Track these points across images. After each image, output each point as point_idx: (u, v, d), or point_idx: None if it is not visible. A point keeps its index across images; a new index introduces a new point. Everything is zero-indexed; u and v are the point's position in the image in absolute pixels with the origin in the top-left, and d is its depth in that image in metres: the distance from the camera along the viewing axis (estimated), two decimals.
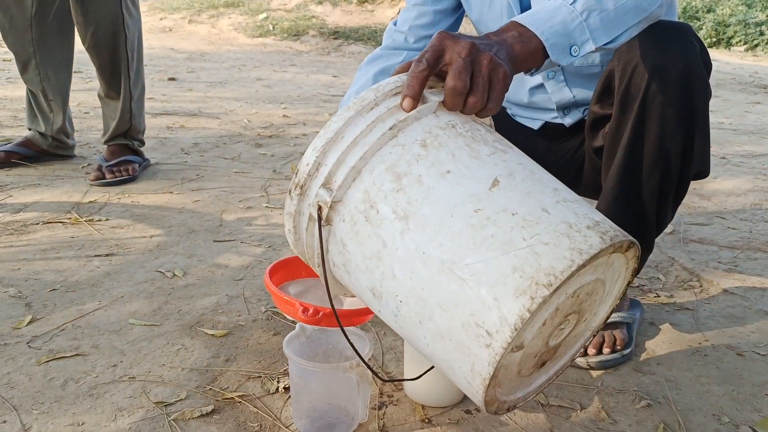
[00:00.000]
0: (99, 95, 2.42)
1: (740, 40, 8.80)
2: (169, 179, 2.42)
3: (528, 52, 0.89)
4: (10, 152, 2.44)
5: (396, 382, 1.20)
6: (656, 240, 1.29)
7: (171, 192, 2.27)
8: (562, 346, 0.83)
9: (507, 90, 0.85)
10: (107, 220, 1.96)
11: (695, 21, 9.36)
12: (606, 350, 1.28)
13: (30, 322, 1.36)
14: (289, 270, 1.11)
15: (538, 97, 1.43)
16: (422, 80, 0.82)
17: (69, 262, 1.66)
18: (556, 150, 1.46)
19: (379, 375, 0.94)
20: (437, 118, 0.82)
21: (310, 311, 0.94)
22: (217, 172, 2.55)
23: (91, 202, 2.12)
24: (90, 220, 1.94)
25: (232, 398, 1.13)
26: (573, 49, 0.93)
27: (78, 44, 2.39)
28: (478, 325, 0.70)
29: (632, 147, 1.17)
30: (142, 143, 2.51)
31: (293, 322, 1.38)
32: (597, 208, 1.22)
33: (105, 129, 2.44)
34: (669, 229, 2.10)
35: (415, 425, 1.08)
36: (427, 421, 1.10)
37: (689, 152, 1.16)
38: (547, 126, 1.46)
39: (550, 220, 0.72)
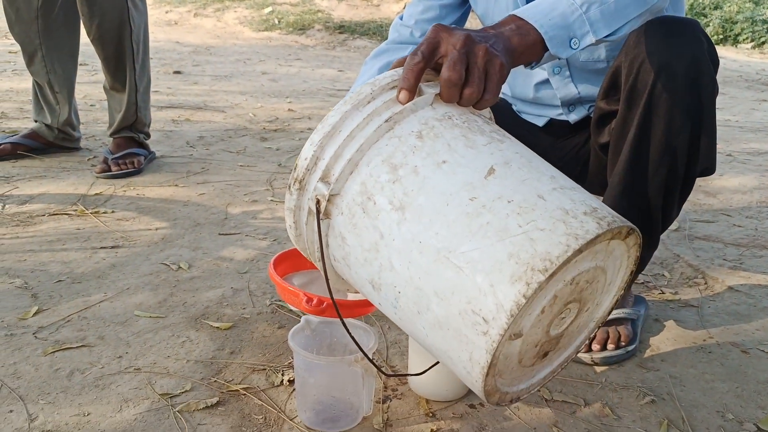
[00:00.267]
0: (104, 88, 2.43)
1: (747, 38, 8.75)
2: (174, 172, 2.43)
3: (526, 45, 0.89)
4: (17, 144, 2.45)
5: (400, 377, 1.20)
6: (661, 237, 1.29)
7: (176, 185, 2.27)
8: (564, 336, 0.82)
9: (504, 81, 0.85)
10: (113, 212, 1.97)
11: (702, 18, 9.32)
12: (610, 346, 1.28)
13: (36, 313, 1.36)
14: (294, 261, 1.11)
15: (543, 92, 1.42)
16: (417, 72, 0.82)
17: (75, 253, 1.66)
18: (561, 147, 1.45)
19: (383, 369, 0.94)
20: (434, 110, 0.82)
21: (314, 301, 0.95)
22: (222, 166, 2.55)
23: (96, 194, 2.12)
24: (96, 212, 1.95)
25: (237, 390, 1.14)
26: (573, 41, 0.92)
27: (84, 36, 2.40)
28: (475, 313, 0.70)
29: (638, 143, 1.16)
30: (148, 136, 2.52)
31: (298, 315, 1.39)
32: None
33: (111, 121, 2.44)
34: (674, 226, 2.10)
35: (419, 419, 1.09)
36: (431, 415, 1.10)
37: (695, 149, 1.16)
38: (552, 123, 1.46)
39: (546, 206, 0.72)
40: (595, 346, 1.28)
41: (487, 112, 0.94)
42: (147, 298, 1.45)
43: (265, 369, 1.21)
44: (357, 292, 0.97)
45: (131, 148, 2.41)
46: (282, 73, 5.35)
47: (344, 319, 0.91)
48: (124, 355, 1.23)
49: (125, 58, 2.31)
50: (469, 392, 1.16)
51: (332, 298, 0.87)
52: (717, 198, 2.46)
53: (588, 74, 1.36)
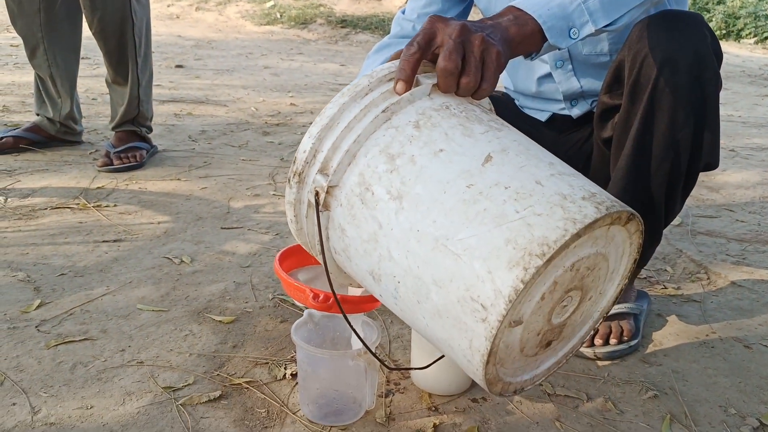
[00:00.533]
0: (107, 81, 2.42)
1: (750, 33, 8.73)
2: (176, 166, 2.43)
3: (524, 35, 0.88)
4: (19, 137, 2.45)
5: (403, 371, 1.20)
6: (664, 232, 1.29)
7: (178, 179, 2.27)
8: (568, 325, 0.82)
9: (501, 70, 0.84)
10: (115, 206, 1.97)
11: (705, 12, 9.29)
12: (613, 341, 1.28)
13: (39, 307, 1.36)
14: (299, 257, 1.11)
15: (545, 87, 1.42)
16: (414, 63, 0.82)
17: (77, 247, 1.66)
18: (564, 141, 1.45)
19: (386, 363, 0.94)
20: (431, 101, 0.82)
21: (321, 297, 0.94)
22: (224, 160, 2.55)
23: (98, 188, 2.12)
24: (98, 206, 1.95)
25: (240, 384, 1.14)
26: (572, 31, 0.92)
27: (86, 30, 2.39)
28: (474, 300, 0.70)
29: (641, 138, 1.16)
30: (150, 130, 2.52)
31: (300, 309, 1.39)
32: None
33: (113, 115, 2.44)
34: (677, 221, 2.09)
35: (421, 413, 1.09)
36: (433, 409, 1.10)
37: (699, 143, 1.16)
38: (554, 117, 1.46)
39: (544, 192, 0.72)
40: (598, 341, 1.28)
41: (486, 102, 0.93)
42: (149, 292, 1.45)
43: (267, 363, 1.21)
44: (360, 286, 0.97)
45: (133, 141, 2.41)
46: (284, 67, 5.34)
47: (347, 314, 0.91)
48: (126, 349, 1.23)
49: (127, 52, 2.31)
50: (472, 387, 1.16)
51: (333, 290, 0.87)
52: (720, 193, 2.45)
53: (591, 68, 1.36)
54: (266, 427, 1.04)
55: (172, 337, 1.28)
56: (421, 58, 0.82)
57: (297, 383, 1.14)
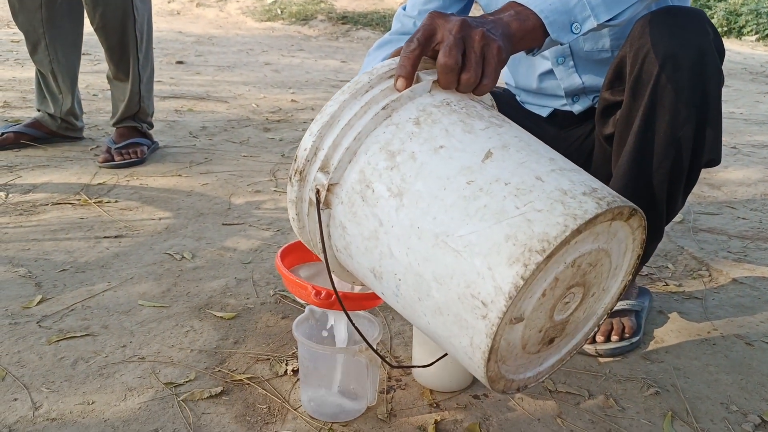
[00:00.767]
0: (108, 77, 2.42)
1: (752, 30, 8.71)
2: (177, 162, 2.42)
3: (526, 30, 0.88)
4: (20, 133, 2.44)
5: (405, 368, 1.20)
6: (666, 229, 1.28)
7: (179, 175, 2.27)
8: (571, 322, 0.82)
9: (502, 65, 0.84)
10: (116, 201, 1.97)
11: (707, 9, 9.27)
12: (614, 338, 1.28)
13: (40, 302, 1.36)
14: (300, 253, 1.11)
15: (547, 83, 1.42)
16: (414, 60, 0.81)
17: (78, 243, 1.66)
18: (565, 137, 1.45)
19: (388, 360, 0.94)
20: (432, 97, 0.82)
21: (323, 294, 0.94)
22: (225, 156, 2.55)
23: (99, 183, 2.12)
24: (99, 202, 1.95)
25: (241, 380, 1.14)
26: (574, 26, 0.92)
27: (86, 26, 2.39)
28: (474, 297, 0.69)
29: (643, 134, 1.16)
30: (151, 126, 2.51)
31: (302, 305, 1.39)
32: None
33: (114, 111, 2.44)
34: (679, 218, 2.09)
35: (423, 409, 1.09)
36: (435, 405, 1.10)
37: (701, 140, 1.15)
38: (556, 113, 1.46)
39: (544, 187, 0.71)
40: (599, 338, 1.28)
41: (488, 99, 0.93)
42: (151, 288, 1.45)
43: (269, 359, 1.21)
44: (363, 285, 0.97)
45: (134, 137, 2.41)
46: (285, 63, 5.34)
47: (349, 312, 0.91)
48: (128, 344, 1.23)
49: (129, 48, 2.30)
50: (474, 383, 1.16)
51: (334, 287, 0.87)
52: (721, 190, 2.45)
53: (592, 64, 1.36)
54: (267, 423, 1.04)
55: (174, 333, 1.28)
56: (421, 54, 0.82)
57: (298, 379, 1.14)
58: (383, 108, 0.80)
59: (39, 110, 2.49)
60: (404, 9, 1.48)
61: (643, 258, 1.34)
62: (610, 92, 1.24)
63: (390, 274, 0.78)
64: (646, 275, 1.66)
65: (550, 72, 1.39)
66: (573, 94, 1.40)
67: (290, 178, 0.84)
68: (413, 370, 1.17)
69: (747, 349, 1.33)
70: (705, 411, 1.13)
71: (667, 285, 1.60)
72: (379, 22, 7.67)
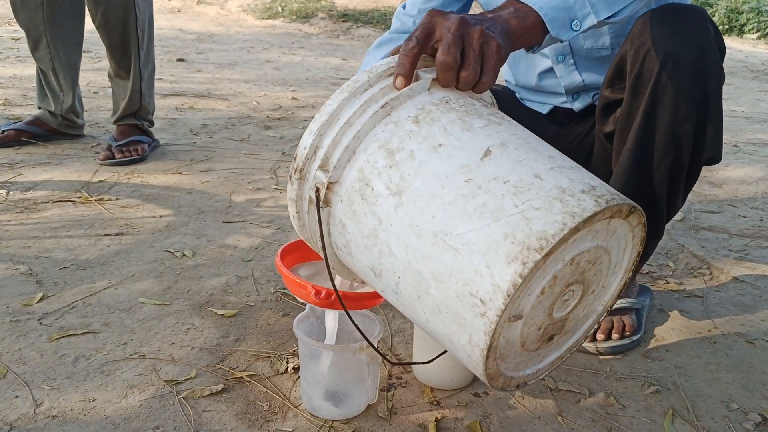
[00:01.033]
0: (109, 75, 2.42)
1: (753, 28, 8.70)
2: (178, 160, 2.42)
3: (525, 27, 0.88)
4: (20, 131, 2.44)
5: (405, 365, 1.20)
6: (666, 227, 1.28)
7: (180, 173, 2.27)
8: (570, 319, 0.82)
9: (502, 63, 0.84)
10: (117, 199, 1.97)
11: (708, 7, 9.26)
12: (615, 336, 1.28)
13: (41, 300, 1.36)
14: (300, 252, 1.11)
15: (547, 81, 1.42)
16: (413, 58, 0.81)
17: (79, 240, 1.66)
18: (565, 135, 1.45)
19: (388, 358, 0.94)
20: (431, 95, 0.82)
21: (323, 294, 0.94)
22: (226, 154, 2.55)
23: (100, 181, 2.12)
24: (100, 200, 1.95)
25: (242, 378, 1.14)
26: (574, 23, 0.92)
27: (87, 23, 2.39)
28: (472, 295, 0.69)
29: (644, 132, 1.16)
30: (152, 123, 2.51)
31: (303, 303, 1.39)
32: None
33: (115, 109, 2.44)
34: (679, 216, 2.09)
35: (423, 407, 1.09)
36: (435, 403, 1.10)
37: (701, 138, 1.15)
38: (556, 111, 1.46)
39: (543, 186, 0.71)
40: (600, 336, 1.28)
41: (488, 96, 0.93)
42: (151, 285, 1.45)
43: (269, 356, 1.21)
44: (363, 283, 0.97)
45: (135, 135, 2.41)
46: (285, 61, 5.33)
47: (349, 311, 0.91)
48: (128, 342, 1.23)
49: (130, 46, 2.30)
50: (474, 381, 1.16)
51: (334, 286, 0.87)
52: (722, 189, 2.45)
53: (592, 62, 1.36)
54: (268, 420, 1.04)
55: (174, 331, 1.28)
56: (419, 52, 0.82)
57: (299, 377, 1.14)
58: (382, 106, 0.80)
59: (40, 108, 2.49)
60: (404, 7, 1.47)
61: (644, 256, 1.34)
62: (610, 90, 1.24)
63: (389, 272, 0.78)
64: (647, 273, 1.66)
65: (550, 70, 1.39)
66: (573, 92, 1.40)
67: (290, 177, 0.84)
68: (414, 368, 1.17)
69: (748, 348, 1.33)
70: (706, 409, 1.13)
71: (668, 283, 1.60)
72: (380, 20, 7.67)
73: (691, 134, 1.13)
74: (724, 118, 1.18)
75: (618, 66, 1.20)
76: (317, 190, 0.81)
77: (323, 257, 0.87)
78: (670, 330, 1.38)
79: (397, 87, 0.82)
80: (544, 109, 1.47)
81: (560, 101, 1.44)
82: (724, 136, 1.19)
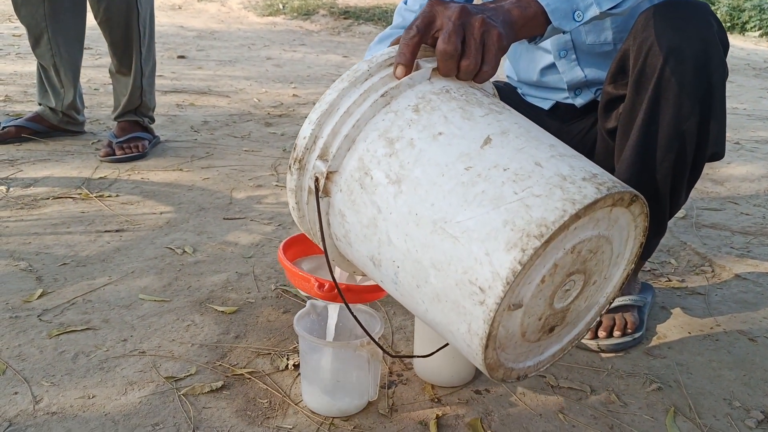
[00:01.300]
0: (110, 71, 2.42)
1: (755, 26, 8.68)
2: (178, 157, 2.42)
3: (527, 17, 0.87)
4: (21, 127, 2.44)
5: (406, 361, 1.20)
6: (669, 224, 1.28)
7: (181, 169, 2.26)
8: (572, 311, 0.81)
9: (503, 52, 0.83)
10: (117, 196, 1.96)
11: (710, 5, 9.25)
12: (617, 333, 1.28)
13: (41, 296, 1.36)
14: (302, 246, 1.11)
15: (549, 77, 1.41)
16: (413, 47, 0.81)
17: (79, 237, 1.66)
18: (567, 131, 1.44)
19: (388, 351, 0.94)
20: (431, 85, 0.81)
21: (326, 287, 0.94)
22: (227, 151, 2.55)
23: (101, 178, 2.12)
24: (100, 196, 1.94)
25: (242, 374, 1.13)
26: (576, 14, 0.91)
27: (89, 20, 2.38)
28: (472, 283, 0.69)
29: (647, 128, 1.15)
30: (153, 120, 2.51)
31: (303, 300, 1.39)
32: None
33: (115, 105, 2.44)
34: (681, 213, 2.08)
35: (424, 404, 1.08)
36: (436, 400, 1.10)
37: (704, 134, 1.15)
38: (558, 106, 1.45)
39: (543, 173, 0.71)
40: (602, 333, 1.28)
41: (489, 87, 0.92)
42: (152, 282, 1.45)
43: (270, 353, 1.20)
44: (363, 274, 0.97)
45: (136, 132, 2.41)
46: (286, 58, 5.32)
47: (350, 305, 0.90)
48: (128, 338, 1.23)
49: (132, 42, 2.30)
50: (475, 378, 1.15)
51: (333, 277, 0.86)
52: (724, 186, 2.44)
53: (594, 58, 1.35)
54: (268, 417, 1.03)
55: (174, 327, 1.28)
56: (420, 41, 0.81)
57: (299, 374, 1.13)
58: (382, 95, 0.80)
59: (40, 104, 2.48)
60: (405, 3, 1.47)
61: (646, 253, 1.34)
62: (613, 86, 1.24)
63: (389, 261, 0.78)
64: (649, 271, 1.65)
65: (552, 66, 1.39)
66: (575, 88, 1.40)
67: (290, 167, 0.84)
68: (415, 365, 1.17)
69: (750, 345, 1.32)
70: (708, 407, 1.12)
71: (670, 281, 1.60)
72: (381, 17, 7.65)
73: (694, 130, 1.13)
74: (727, 116, 1.17)
75: (621, 61, 1.20)
76: (316, 180, 0.81)
77: (322, 248, 0.86)
78: (672, 327, 1.37)
79: (397, 76, 0.81)
80: (546, 105, 1.46)
81: (562, 97, 1.43)
82: (726, 134, 1.19)
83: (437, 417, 1.05)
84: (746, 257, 1.76)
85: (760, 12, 8.84)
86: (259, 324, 1.30)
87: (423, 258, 0.73)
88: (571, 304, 0.80)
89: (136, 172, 2.20)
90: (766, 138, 3.29)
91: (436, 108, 0.78)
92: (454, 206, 0.71)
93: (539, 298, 0.74)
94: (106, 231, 1.71)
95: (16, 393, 1.06)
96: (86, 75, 3.60)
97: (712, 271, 1.67)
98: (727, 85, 1.17)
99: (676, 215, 1.31)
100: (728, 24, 8.87)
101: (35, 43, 2.34)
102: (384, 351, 0.92)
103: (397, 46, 0.83)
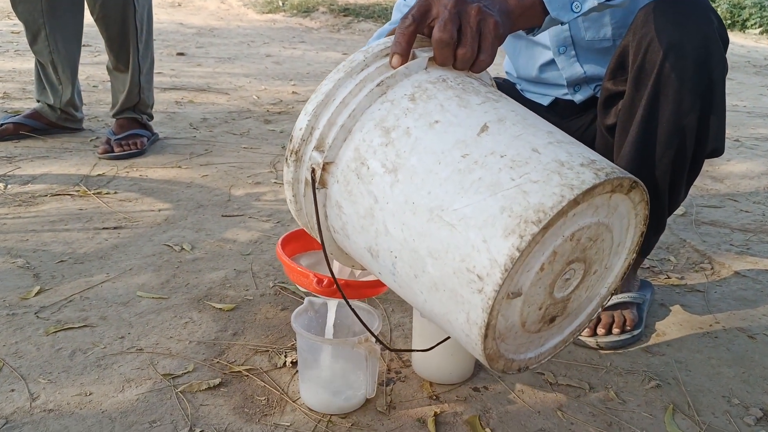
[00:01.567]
0: (108, 68, 2.41)
1: (755, 23, 8.66)
2: (177, 154, 2.41)
3: (524, 7, 0.87)
4: (19, 124, 2.43)
5: (404, 358, 1.19)
6: (668, 221, 1.27)
7: (179, 166, 2.26)
8: (573, 301, 0.80)
9: (500, 41, 0.82)
10: (115, 193, 1.96)
11: (710, 1, 9.23)
12: (616, 330, 1.27)
13: (38, 293, 1.36)
14: (301, 242, 1.10)
15: (548, 73, 1.41)
16: (409, 36, 0.80)
17: (77, 234, 1.66)
18: (567, 127, 1.43)
19: (388, 345, 0.93)
20: (428, 74, 0.81)
21: (325, 282, 0.93)
22: (225, 148, 2.54)
23: (99, 175, 2.11)
24: (98, 193, 1.94)
25: (240, 372, 1.13)
26: (574, 5, 0.91)
27: (87, 17, 2.38)
28: (469, 271, 0.68)
29: (646, 124, 1.15)
30: (151, 117, 2.50)
31: (301, 297, 1.38)
32: None
33: (114, 102, 2.43)
34: (681, 210, 2.08)
35: (422, 402, 1.08)
36: (434, 397, 1.09)
37: (704, 130, 1.14)
38: (557, 102, 1.45)
39: (541, 159, 0.70)
40: (600, 330, 1.27)
41: (487, 77, 0.92)
42: (149, 279, 1.45)
43: (267, 350, 1.20)
44: (363, 269, 0.96)
45: (134, 129, 2.40)
46: (286, 55, 5.31)
47: (349, 300, 0.90)
48: (126, 336, 1.23)
49: (129, 39, 2.29)
50: (474, 376, 1.15)
51: (331, 270, 0.86)
52: (724, 183, 2.44)
53: (594, 54, 1.35)
54: (266, 414, 1.03)
55: (172, 325, 1.27)
56: (416, 30, 0.81)
57: (297, 371, 1.13)
58: (378, 85, 0.79)
59: (38, 101, 2.48)
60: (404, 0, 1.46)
61: (645, 250, 1.33)
62: (612, 82, 1.23)
63: (386, 251, 0.77)
64: (648, 268, 1.65)
65: (552, 62, 1.38)
66: (574, 84, 1.39)
67: (287, 159, 0.83)
68: (413, 362, 1.17)
69: (749, 342, 1.32)
70: (706, 404, 1.12)
71: (669, 278, 1.59)
72: (381, 14, 7.64)
73: (694, 125, 1.12)
74: (727, 113, 1.17)
75: (620, 57, 1.19)
76: (313, 171, 0.80)
77: (319, 240, 0.86)
78: (671, 325, 1.37)
79: (393, 65, 0.81)
80: (545, 101, 1.46)
81: (561, 93, 1.43)
82: (726, 131, 1.18)
83: (435, 414, 1.04)
84: (746, 254, 1.76)
85: (760, 9, 8.83)
86: (257, 321, 1.30)
87: (420, 247, 0.72)
88: (572, 294, 0.79)
89: (135, 169, 2.20)
90: (766, 135, 3.28)
91: (432, 96, 0.78)
92: (451, 194, 0.70)
93: (539, 286, 0.73)
94: (104, 228, 1.70)
95: (12, 390, 1.06)
96: (85, 72, 3.60)
97: (712, 268, 1.67)
98: (727, 83, 1.17)
99: (675, 212, 1.30)
100: (729, 21, 8.86)
101: (33, 39, 2.33)
102: (384, 345, 0.91)
103: (392, 37, 0.83)
